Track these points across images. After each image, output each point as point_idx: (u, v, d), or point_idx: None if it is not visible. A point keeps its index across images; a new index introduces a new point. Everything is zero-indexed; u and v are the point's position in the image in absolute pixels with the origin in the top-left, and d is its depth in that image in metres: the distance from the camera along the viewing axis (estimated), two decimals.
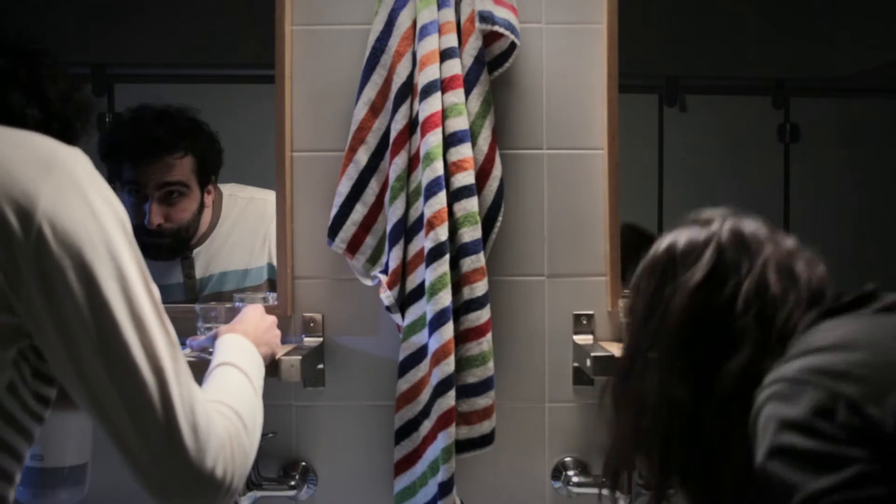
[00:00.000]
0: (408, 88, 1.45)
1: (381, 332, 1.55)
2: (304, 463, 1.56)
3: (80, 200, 0.78)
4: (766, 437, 0.76)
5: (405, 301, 1.46)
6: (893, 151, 1.64)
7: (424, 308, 1.41)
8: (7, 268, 0.75)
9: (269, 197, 1.55)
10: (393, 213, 1.44)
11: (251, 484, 1.50)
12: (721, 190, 1.71)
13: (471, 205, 1.42)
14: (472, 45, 1.45)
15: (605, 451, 0.96)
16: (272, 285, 1.60)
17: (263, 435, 1.47)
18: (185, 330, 1.46)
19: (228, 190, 1.66)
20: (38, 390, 0.83)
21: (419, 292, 1.43)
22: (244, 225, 1.65)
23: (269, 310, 1.37)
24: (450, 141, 1.42)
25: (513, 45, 1.47)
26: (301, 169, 1.55)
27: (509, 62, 1.49)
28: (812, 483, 0.71)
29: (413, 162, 1.46)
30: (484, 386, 1.43)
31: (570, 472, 1.54)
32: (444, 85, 1.42)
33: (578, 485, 1.53)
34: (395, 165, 1.44)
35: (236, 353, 1.08)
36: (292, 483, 1.53)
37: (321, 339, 1.54)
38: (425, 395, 1.43)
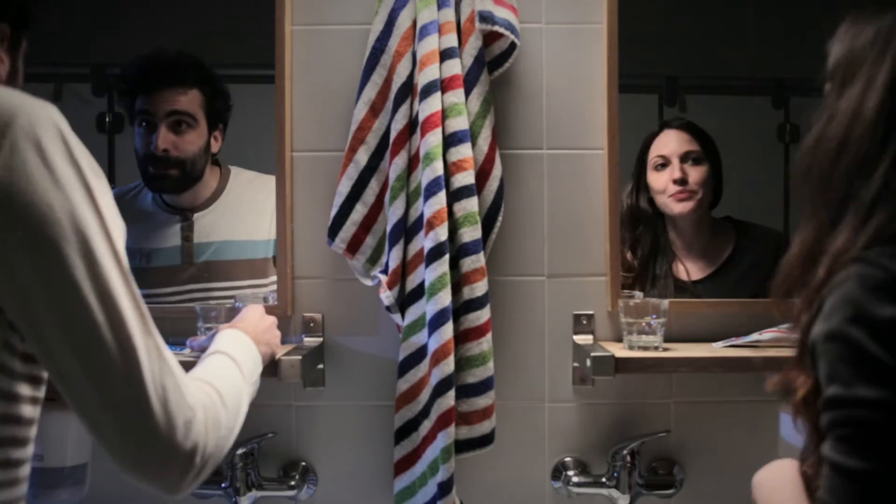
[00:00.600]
0: (408, 88, 1.45)
1: (381, 332, 1.55)
2: (304, 463, 1.56)
3: (41, 167, 0.73)
4: (836, 314, 0.74)
5: (405, 301, 1.46)
6: None
7: (424, 308, 1.41)
8: None
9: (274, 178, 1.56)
10: (393, 213, 1.44)
11: (251, 484, 1.50)
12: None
13: (471, 205, 1.42)
14: (472, 45, 1.45)
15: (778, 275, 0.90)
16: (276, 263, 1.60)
17: (263, 435, 1.49)
18: (185, 330, 1.47)
19: (235, 170, 1.67)
20: (30, 371, 0.82)
21: (419, 292, 1.43)
22: (249, 198, 1.66)
23: (269, 310, 1.37)
24: (450, 141, 1.42)
25: (513, 45, 1.47)
26: (301, 169, 1.55)
27: (509, 62, 1.49)
28: (852, 388, 0.71)
29: (413, 162, 1.46)
30: (484, 386, 1.43)
31: (570, 472, 1.54)
32: (444, 85, 1.42)
33: (578, 485, 1.53)
34: (395, 165, 1.44)
35: (229, 343, 1.09)
36: (292, 483, 1.53)
37: (321, 339, 1.54)
38: (425, 395, 1.43)
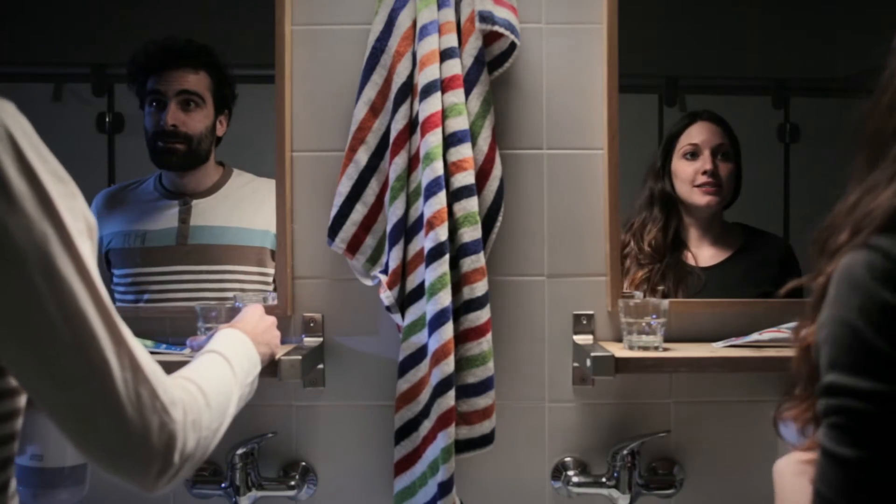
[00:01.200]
0: (408, 88, 1.45)
1: (381, 332, 1.55)
2: (304, 463, 1.56)
3: None
4: (843, 301, 0.73)
5: (405, 301, 1.46)
6: None
7: (424, 308, 1.41)
8: None
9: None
10: (393, 213, 1.44)
11: (251, 484, 1.50)
12: None
13: (471, 205, 1.42)
14: (472, 45, 1.45)
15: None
16: (274, 257, 1.61)
17: (263, 435, 1.49)
18: (185, 330, 1.47)
19: (237, 171, 1.70)
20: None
21: (419, 292, 1.43)
22: (248, 193, 1.69)
23: (269, 310, 1.37)
24: (450, 141, 1.42)
25: (513, 45, 1.47)
26: (301, 169, 1.55)
27: (509, 62, 1.49)
28: (851, 377, 0.70)
29: (413, 162, 1.46)
30: (484, 386, 1.43)
31: (570, 472, 1.54)
32: (444, 85, 1.42)
33: (578, 485, 1.53)
34: (395, 165, 1.44)
35: (224, 343, 1.09)
36: (292, 483, 1.53)
37: (321, 339, 1.54)
38: (425, 395, 1.43)
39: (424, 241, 1.40)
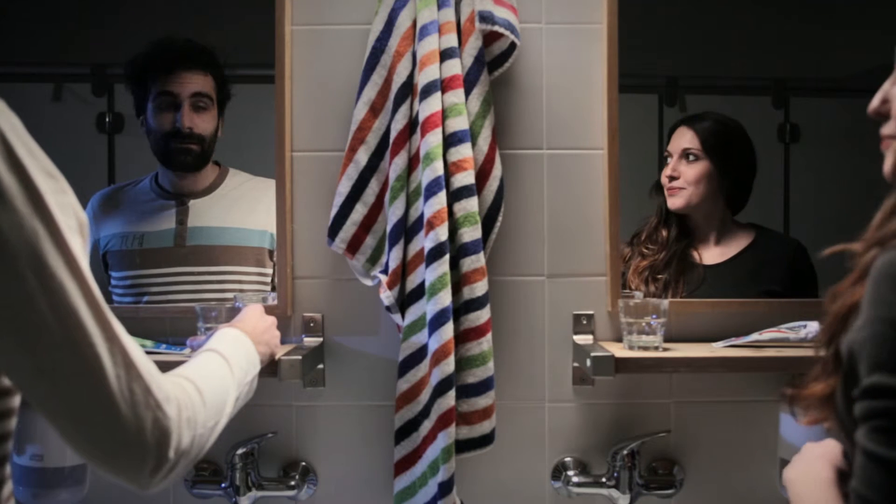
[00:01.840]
0: (408, 88, 1.45)
1: (381, 332, 1.55)
2: (304, 463, 1.56)
3: None
4: (888, 301, 0.72)
5: (405, 301, 1.46)
6: None
7: (424, 308, 1.41)
8: None
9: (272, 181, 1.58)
10: (393, 213, 1.44)
11: (251, 484, 1.50)
12: None
13: (471, 205, 1.42)
14: (472, 45, 1.45)
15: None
16: (273, 256, 1.62)
17: (263, 435, 1.49)
18: (185, 330, 1.47)
19: (232, 170, 1.70)
20: None
21: (419, 292, 1.43)
22: (244, 192, 1.69)
23: (269, 310, 1.37)
24: (450, 141, 1.41)
25: (513, 45, 1.47)
26: (301, 169, 1.55)
27: (509, 62, 1.49)
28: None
29: (413, 162, 1.46)
30: (484, 386, 1.43)
31: (570, 472, 1.54)
32: (444, 85, 1.42)
33: (578, 485, 1.53)
34: (395, 165, 1.44)
35: (222, 342, 1.09)
36: (292, 483, 1.53)
37: (321, 339, 1.54)
38: (425, 395, 1.43)
39: (424, 241, 1.40)
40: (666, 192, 1.64)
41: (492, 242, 1.49)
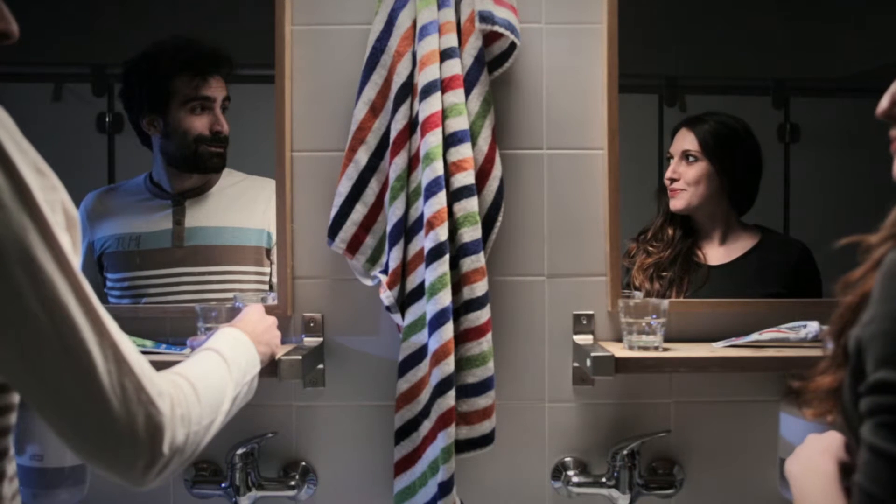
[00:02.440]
0: (408, 88, 1.45)
1: (381, 332, 1.55)
2: (304, 463, 1.56)
3: None
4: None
5: (405, 301, 1.46)
6: None
7: (424, 308, 1.41)
8: None
9: (269, 180, 1.58)
10: (393, 213, 1.44)
11: (251, 484, 1.50)
12: None
13: (471, 205, 1.42)
14: (472, 45, 1.45)
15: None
16: (270, 255, 1.63)
17: (263, 435, 1.49)
18: (185, 330, 1.47)
19: (227, 169, 1.69)
20: None
21: (419, 292, 1.43)
22: (240, 191, 1.69)
23: (269, 310, 1.37)
24: (450, 141, 1.41)
25: (513, 45, 1.47)
26: (301, 169, 1.55)
27: (509, 62, 1.49)
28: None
29: (413, 162, 1.46)
30: (484, 386, 1.43)
31: (570, 472, 1.54)
32: (444, 85, 1.42)
33: (578, 485, 1.53)
34: (395, 165, 1.44)
35: (221, 341, 1.09)
36: (292, 483, 1.53)
37: (321, 339, 1.54)
38: (425, 395, 1.43)
39: (424, 241, 1.40)
40: (668, 194, 1.64)
41: (492, 242, 1.49)
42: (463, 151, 1.42)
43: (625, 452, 1.49)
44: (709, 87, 1.76)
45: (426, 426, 1.43)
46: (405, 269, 1.46)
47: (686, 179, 1.62)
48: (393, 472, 1.47)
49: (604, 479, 1.52)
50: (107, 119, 1.68)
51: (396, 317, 1.47)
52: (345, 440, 1.56)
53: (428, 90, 1.41)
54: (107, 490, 1.46)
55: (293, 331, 1.55)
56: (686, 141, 1.63)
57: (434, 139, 1.40)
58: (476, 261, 1.42)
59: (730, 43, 1.70)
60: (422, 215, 1.42)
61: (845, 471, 0.85)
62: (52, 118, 1.68)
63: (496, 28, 1.41)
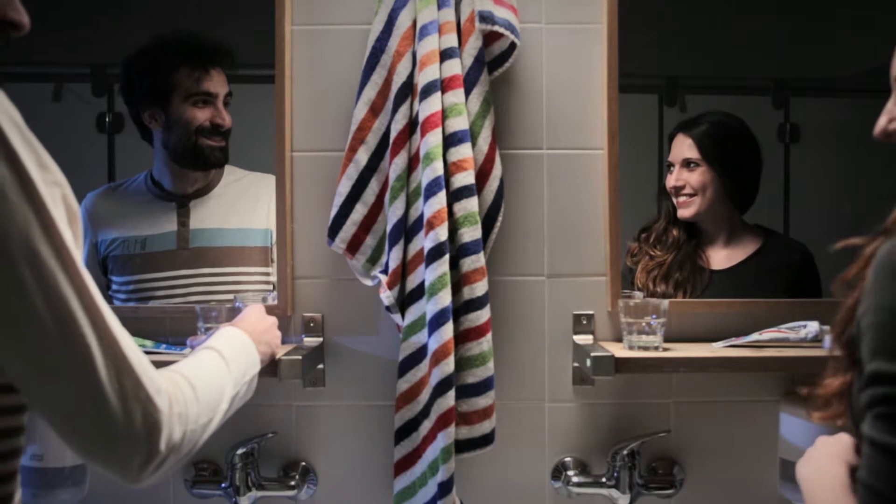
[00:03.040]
0: (408, 88, 1.45)
1: (381, 332, 1.55)
2: (304, 463, 1.56)
3: None
4: (886, 288, 0.72)
5: (405, 301, 1.46)
6: (894, 152, 1.63)
7: (424, 308, 1.41)
8: None
9: (271, 176, 1.58)
10: (393, 213, 1.44)
11: (251, 484, 1.50)
12: None
13: (471, 205, 1.42)
14: (472, 45, 1.45)
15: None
16: (272, 255, 1.62)
17: (263, 435, 1.49)
18: (185, 330, 1.47)
19: (228, 167, 1.69)
20: None
21: (419, 292, 1.43)
22: (243, 190, 1.68)
23: (269, 310, 1.37)
24: (450, 141, 1.41)
25: (513, 45, 1.47)
26: (301, 169, 1.55)
27: (509, 62, 1.49)
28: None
29: (413, 162, 1.46)
30: (484, 386, 1.43)
31: (570, 472, 1.54)
32: (444, 85, 1.42)
33: (578, 485, 1.53)
34: (395, 165, 1.44)
35: (221, 340, 1.09)
36: (292, 483, 1.53)
37: (321, 339, 1.54)
38: (425, 395, 1.43)
39: (424, 241, 1.40)
40: (676, 203, 1.63)
41: (492, 242, 1.49)
42: (463, 151, 1.42)
43: (625, 452, 1.49)
44: (709, 87, 1.76)
45: (426, 426, 1.43)
46: (405, 269, 1.46)
47: (692, 186, 1.61)
48: (393, 472, 1.47)
49: (604, 479, 1.52)
50: (107, 119, 1.68)
51: (396, 317, 1.47)
52: (345, 440, 1.56)
53: (428, 90, 1.41)
54: (107, 490, 1.46)
55: (293, 331, 1.55)
56: (685, 147, 1.62)
57: (434, 139, 1.40)
58: (476, 261, 1.42)
59: (730, 43, 1.70)
60: (422, 215, 1.42)
61: (855, 475, 0.85)
62: (52, 118, 1.68)
63: (496, 28, 1.41)
